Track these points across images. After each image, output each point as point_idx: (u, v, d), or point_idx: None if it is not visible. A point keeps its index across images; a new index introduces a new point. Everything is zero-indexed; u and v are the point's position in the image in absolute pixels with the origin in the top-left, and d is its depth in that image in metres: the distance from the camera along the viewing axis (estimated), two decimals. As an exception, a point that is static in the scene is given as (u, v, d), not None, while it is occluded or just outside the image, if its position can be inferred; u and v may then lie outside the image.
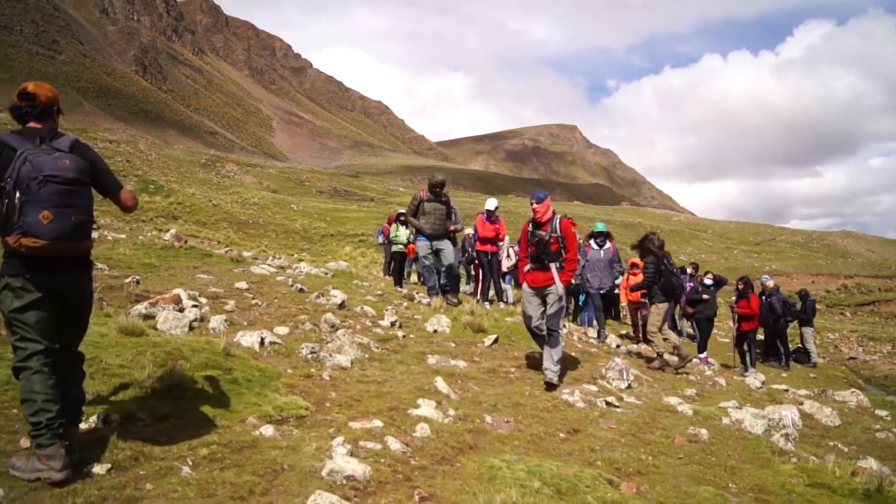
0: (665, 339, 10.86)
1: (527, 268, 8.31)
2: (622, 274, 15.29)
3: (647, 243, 11.02)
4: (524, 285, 8.42)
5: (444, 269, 12.21)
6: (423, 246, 11.96)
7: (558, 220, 8.12)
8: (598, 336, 12.77)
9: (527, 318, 8.47)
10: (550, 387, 7.76)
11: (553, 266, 8.04)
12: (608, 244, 13.51)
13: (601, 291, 13.43)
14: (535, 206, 8.15)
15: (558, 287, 8.03)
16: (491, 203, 14.11)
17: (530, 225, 8.30)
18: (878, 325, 41.04)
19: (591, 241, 13.57)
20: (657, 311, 10.96)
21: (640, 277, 14.33)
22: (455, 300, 11.97)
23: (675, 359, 11.00)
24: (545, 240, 8.04)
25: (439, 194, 11.85)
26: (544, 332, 8.23)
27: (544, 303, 8.26)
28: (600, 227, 13.66)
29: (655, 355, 10.83)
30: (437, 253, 12.00)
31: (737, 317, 14.75)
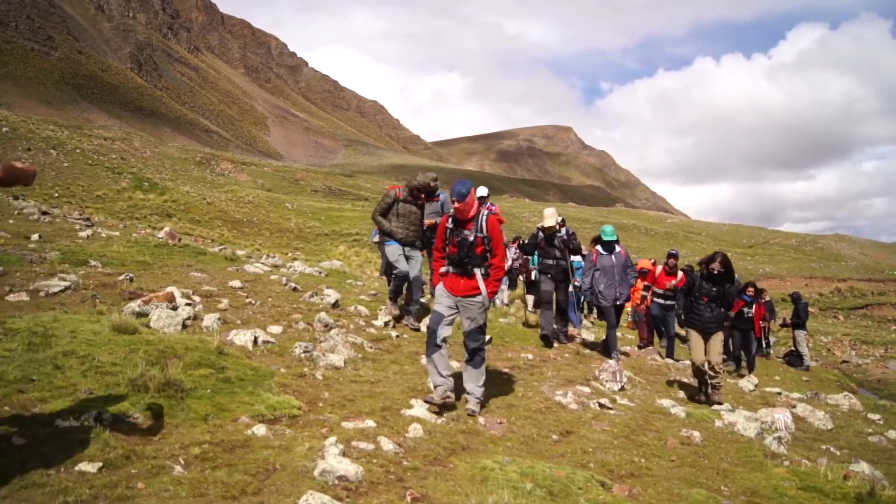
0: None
1: (443, 269, 6.91)
2: (636, 279, 14.01)
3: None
4: (439, 286, 6.93)
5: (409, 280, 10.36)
6: (394, 250, 10.19)
7: (485, 218, 6.78)
8: (611, 356, 10.80)
9: (434, 317, 6.83)
10: (470, 412, 6.54)
11: (478, 272, 6.72)
12: (618, 248, 11.57)
13: (617, 303, 11.43)
14: (456, 205, 6.63)
15: (484, 297, 6.75)
16: (482, 191, 12.35)
17: (449, 221, 6.86)
18: (870, 329, 41.17)
19: (598, 247, 11.55)
20: (720, 338, 9.52)
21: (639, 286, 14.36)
22: (416, 323, 10.08)
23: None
24: (469, 240, 6.69)
25: (417, 198, 10.24)
26: (440, 342, 6.71)
27: (458, 311, 6.88)
28: (608, 232, 11.53)
29: (710, 388, 9.34)
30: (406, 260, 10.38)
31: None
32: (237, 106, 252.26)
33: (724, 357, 10.02)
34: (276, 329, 8.04)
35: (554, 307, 11.27)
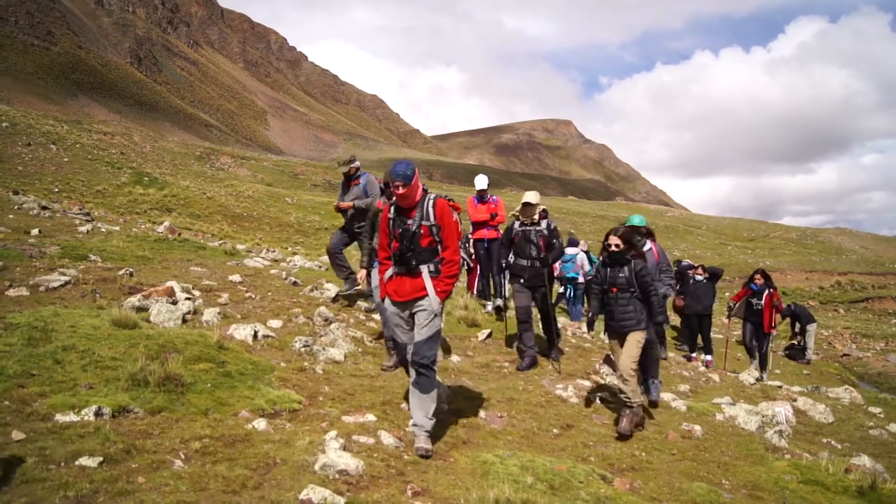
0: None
1: (388, 273, 5.73)
2: (673, 285, 11.29)
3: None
4: (385, 301, 5.80)
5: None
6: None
7: (431, 203, 5.59)
8: (649, 393, 7.98)
9: (399, 350, 5.93)
10: (423, 453, 5.19)
11: (425, 270, 5.53)
12: (648, 244, 8.72)
13: None
14: (401, 190, 5.44)
15: (432, 300, 5.47)
16: (481, 181, 11.30)
17: (391, 210, 5.72)
18: (871, 322, 41.16)
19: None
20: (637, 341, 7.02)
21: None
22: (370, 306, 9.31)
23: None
24: (413, 231, 5.52)
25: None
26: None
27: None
28: (637, 220, 9.07)
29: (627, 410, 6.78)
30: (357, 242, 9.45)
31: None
32: (237, 100, 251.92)
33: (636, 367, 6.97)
34: (276, 323, 8.04)
35: (556, 308, 9.82)
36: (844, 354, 25.04)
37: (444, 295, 5.51)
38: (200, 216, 40.71)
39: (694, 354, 13.51)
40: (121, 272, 9.04)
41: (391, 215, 5.68)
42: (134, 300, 7.56)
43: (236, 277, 10.08)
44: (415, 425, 5.40)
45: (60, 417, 4.55)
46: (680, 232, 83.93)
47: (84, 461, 4.02)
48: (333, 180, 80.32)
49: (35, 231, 11.41)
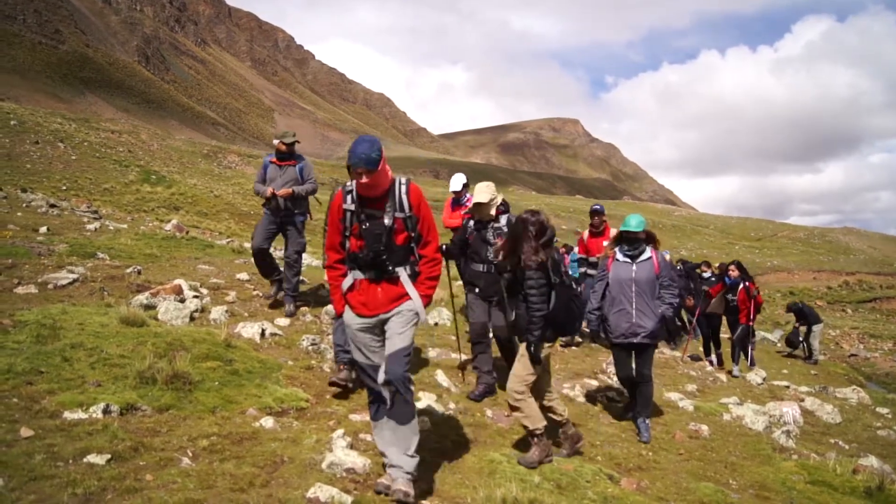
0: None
1: (348, 281, 4.48)
2: (685, 295, 10.48)
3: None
4: (345, 316, 4.51)
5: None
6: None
7: (405, 190, 4.43)
8: (640, 434, 6.72)
9: (362, 370, 4.52)
10: (401, 497, 4.12)
11: (403, 273, 4.41)
12: (647, 252, 6.93)
13: (631, 341, 6.82)
14: (365, 179, 4.24)
15: (417, 304, 4.40)
16: (456, 181, 9.27)
17: (347, 199, 4.45)
18: (879, 322, 41.03)
19: (617, 250, 7.08)
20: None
21: None
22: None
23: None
24: (386, 226, 4.35)
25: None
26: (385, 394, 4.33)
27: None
28: (634, 224, 6.99)
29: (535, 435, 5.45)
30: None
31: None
32: (244, 99, 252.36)
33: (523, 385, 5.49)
34: (283, 321, 8.05)
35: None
36: (852, 355, 24.94)
37: (428, 300, 4.50)
38: (208, 214, 40.78)
39: (713, 358, 12.79)
40: (129, 270, 9.07)
41: (349, 206, 4.42)
42: (142, 298, 7.59)
43: (244, 276, 10.10)
44: (392, 466, 4.27)
45: (69, 415, 4.56)
46: (687, 231, 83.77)
47: (92, 458, 4.03)
48: (340, 179, 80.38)
49: (43, 229, 11.45)
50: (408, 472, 4.22)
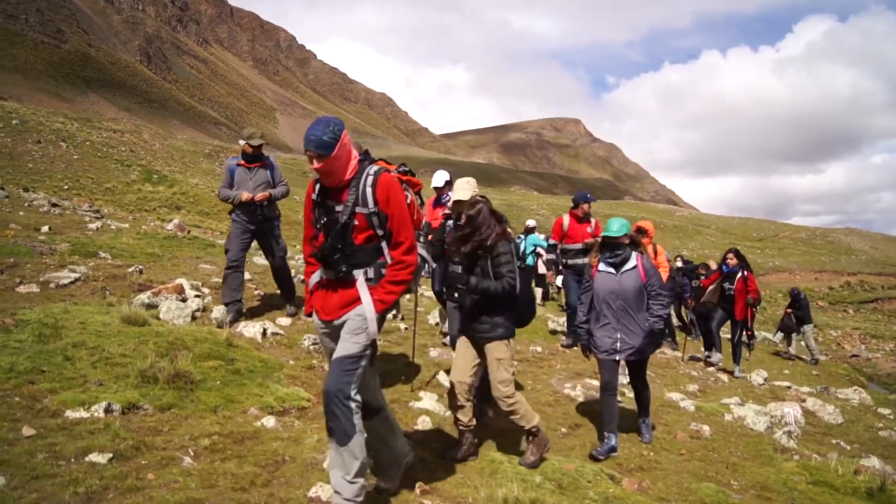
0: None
1: (314, 278, 4.16)
2: (675, 301, 9.74)
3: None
4: (313, 317, 4.21)
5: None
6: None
7: (371, 181, 3.92)
8: (641, 435, 6.72)
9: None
10: None
11: (360, 277, 3.93)
12: (633, 260, 6.32)
13: (617, 357, 6.28)
14: (317, 164, 3.81)
15: (367, 308, 3.87)
16: (439, 177, 8.43)
17: (316, 188, 4.06)
18: (881, 323, 40.99)
19: (599, 258, 6.46)
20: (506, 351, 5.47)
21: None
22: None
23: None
24: (342, 221, 3.90)
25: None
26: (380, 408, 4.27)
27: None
28: (615, 228, 6.36)
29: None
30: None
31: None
32: (246, 98, 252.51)
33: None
34: (284, 321, 8.06)
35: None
36: (854, 355, 24.94)
37: (382, 306, 3.90)
38: (209, 214, 40.75)
39: (710, 354, 12.40)
40: (130, 269, 9.07)
41: (315, 197, 4.04)
42: (143, 297, 7.59)
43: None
44: (334, 492, 3.86)
45: (70, 414, 4.57)
46: (689, 231, 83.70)
47: (94, 457, 4.03)
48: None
49: (45, 228, 11.45)
50: (346, 500, 3.79)
